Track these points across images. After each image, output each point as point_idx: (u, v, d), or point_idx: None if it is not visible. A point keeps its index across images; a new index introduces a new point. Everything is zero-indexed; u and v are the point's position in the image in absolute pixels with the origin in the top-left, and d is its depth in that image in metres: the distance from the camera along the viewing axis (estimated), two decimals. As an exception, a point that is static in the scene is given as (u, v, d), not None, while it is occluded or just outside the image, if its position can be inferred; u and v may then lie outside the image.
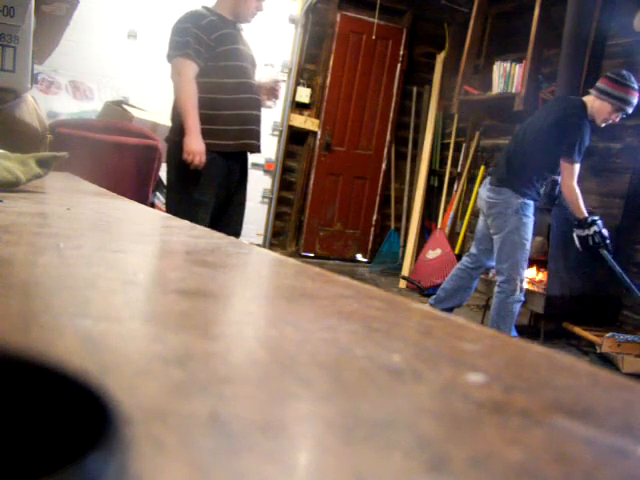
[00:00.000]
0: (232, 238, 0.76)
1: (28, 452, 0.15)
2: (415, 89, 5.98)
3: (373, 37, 5.75)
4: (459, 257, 4.99)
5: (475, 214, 5.10)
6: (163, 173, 3.04)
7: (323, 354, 0.30)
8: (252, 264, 0.65)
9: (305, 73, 5.70)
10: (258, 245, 4.55)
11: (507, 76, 4.67)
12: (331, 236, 5.97)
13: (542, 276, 3.93)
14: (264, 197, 5.72)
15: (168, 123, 2.90)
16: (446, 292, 3.63)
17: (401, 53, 5.91)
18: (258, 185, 5.54)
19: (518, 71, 4.55)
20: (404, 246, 5.79)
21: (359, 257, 6.07)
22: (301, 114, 5.70)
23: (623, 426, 0.25)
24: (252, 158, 3.08)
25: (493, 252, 3.42)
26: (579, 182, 3.25)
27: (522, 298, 3.34)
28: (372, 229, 6.09)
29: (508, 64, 4.67)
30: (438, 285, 4.08)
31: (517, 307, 3.34)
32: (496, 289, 3.37)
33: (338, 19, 5.68)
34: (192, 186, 2.72)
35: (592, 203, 3.53)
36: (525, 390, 0.28)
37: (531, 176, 3.26)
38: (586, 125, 3.18)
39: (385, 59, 5.88)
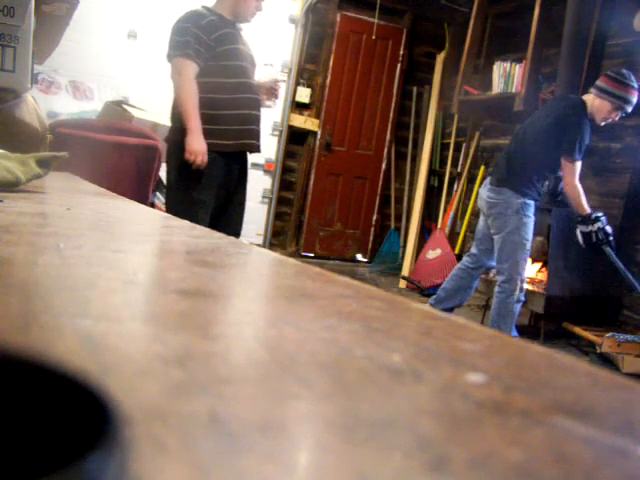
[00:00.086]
0: (232, 238, 0.76)
1: (28, 452, 0.15)
2: (415, 89, 5.99)
3: (373, 37, 5.75)
4: (459, 257, 4.99)
5: (475, 214, 5.10)
6: (163, 173, 3.04)
7: (323, 354, 0.30)
8: (252, 264, 0.65)
9: (305, 73, 5.70)
10: (258, 245, 4.56)
11: (507, 76, 4.67)
12: (331, 236, 5.97)
13: (542, 276, 3.93)
14: (264, 197, 5.72)
15: (168, 123, 2.90)
16: (446, 292, 3.63)
17: (401, 53, 5.91)
18: (258, 185, 5.54)
19: (518, 71, 4.55)
20: (404, 246, 5.79)
21: (359, 257, 6.07)
22: (301, 114, 5.71)
23: (623, 426, 0.25)
24: (252, 158, 3.08)
25: (494, 252, 3.42)
26: (580, 181, 3.26)
27: (522, 298, 3.34)
28: (372, 229, 6.09)
29: (508, 64, 4.67)
30: (438, 285, 4.08)
31: (517, 307, 3.34)
32: (496, 289, 3.37)
33: (338, 19, 5.68)
34: (192, 186, 2.72)
35: (592, 203, 3.52)
36: (525, 390, 0.28)
37: (531, 176, 3.26)
38: (586, 123, 3.18)
39: (385, 59, 5.89)
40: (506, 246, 3.30)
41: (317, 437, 0.21)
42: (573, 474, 0.20)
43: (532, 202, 3.28)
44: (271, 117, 5.38)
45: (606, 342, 3.24)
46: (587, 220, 3.26)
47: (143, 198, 3.09)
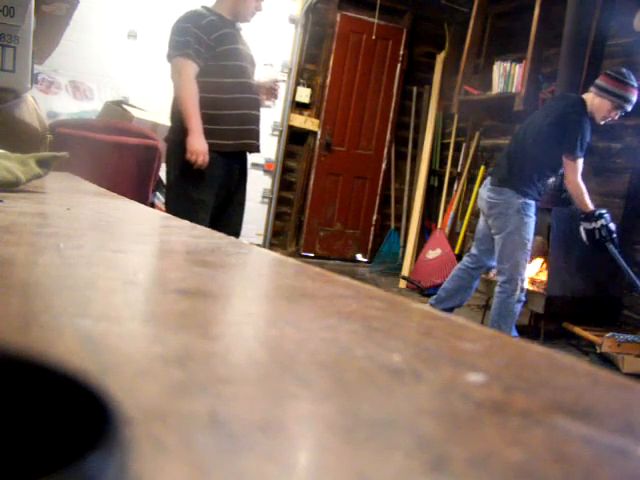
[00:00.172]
0: (232, 238, 0.76)
1: (28, 452, 0.15)
2: (415, 89, 5.99)
3: (373, 37, 5.75)
4: (459, 257, 4.99)
5: (475, 214, 5.10)
6: (163, 173, 3.04)
7: (323, 354, 0.30)
8: (252, 264, 0.65)
9: (305, 73, 5.70)
10: (258, 245, 4.56)
11: (507, 76, 4.67)
12: (331, 236, 5.97)
13: (542, 276, 3.93)
14: (264, 197, 5.72)
15: (168, 123, 2.90)
16: (447, 292, 3.63)
17: (401, 53, 5.91)
18: (258, 185, 5.54)
19: (518, 71, 4.55)
20: (404, 246, 5.79)
21: (359, 257, 6.07)
22: (301, 114, 5.71)
23: (623, 426, 0.25)
24: (252, 158, 3.08)
25: (494, 252, 3.42)
26: (581, 179, 3.26)
27: (523, 298, 3.34)
28: (372, 229, 6.09)
29: (508, 64, 4.67)
30: (438, 285, 4.08)
31: (518, 307, 3.34)
32: (497, 289, 3.37)
33: (338, 19, 5.68)
34: (192, 186, 2.72)
35: (592, 203, 3.52)
36: (525, 390, 0.28)
37: (532, 176, 3.26)
38: (586, 121, 3.18)
39: (385, 59, 5.89)
40: (507, 246, 3.30)
41: (317, 437, 0.21)
42: (573, 474, 0.20)
43: (533, 202, 3.28)
44: (271, 117, 5.38)
45: (606, 342, 3.24)
46: (590, 217, 3.26)
47: (143, 198, 3.09)
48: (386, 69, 5.90)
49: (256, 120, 2.83)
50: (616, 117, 3.28)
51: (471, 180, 5.43)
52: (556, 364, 0.34)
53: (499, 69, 4.75)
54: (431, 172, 5.76)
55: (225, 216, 2.86)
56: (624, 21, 4.00)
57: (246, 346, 0.32)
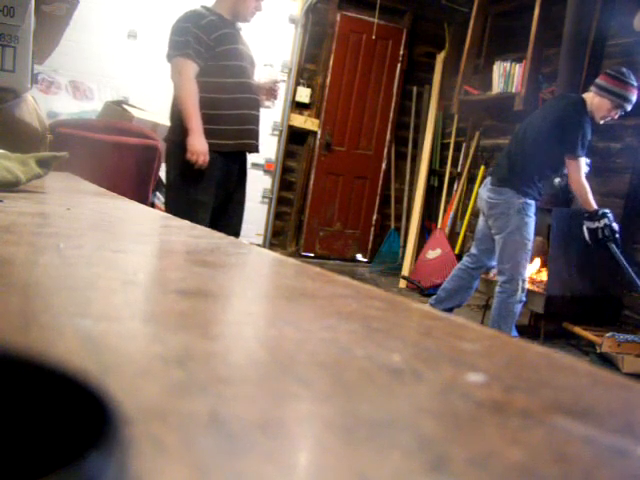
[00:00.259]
0: (232, 238, 0.76)
1: (28, 452, 0.15)
2: (415, 89, 5.99)
3: (373, 37, 5.75)
4: (459, 257, 4.99)
5: (475, 214, 5.10)
6: (163, 173, 3.04)
7: (323, 354, 0.30)
8: (252, 264, 0.65)
9: (305, 73, 5.70)
10: (258, 245, 4.56)
11: (507, 76, 4.67)
12: (331, 236, 5.97)
13: (542, 276, 3.93)
14: (264, 197, 5.72)
15: (168, 123, 2.90)
16: (447, 292, 3.63)
17: (401, 53, 5.91)
18: (258, 185, 5.54)
19: (518, 71, 4.55)
20: (404, 246, 5.79)
21: (359, 257, 6.07)
22: (301, 114, 5.71)
23: (623, 426, 0.25)
24: (252, 158, 3.08)
25: (494, 252, 3.42)
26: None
27: (524, 298, 3.34)
28: (372, 229, 6.09)
29: (508, 64, 4.66)
30: (438, 285, 4.08)
31: (518, 307, 3.34)
32: (498, 289, 3.37)
33: (338, 19, 5.68)
34: (192, 186, 2.72)
35: (593, 203, 3.52)
36: (525, 390, 0.28)
37: (532, 175, 3.26)
38: (587, 121, 3.18)
39: (385, 59, 5.88)
40: (507, 246, 3.29)
41: (317, 437, 0.21)
42: (573, 474, 0.20)
43: (533, 202, 3.28)
44: (271, 117, 5.38)
45: (606, 342, 3.24)
46: (594, 216, 3.26)
47: (143, 198, 3.09)
48: (386, 69, 5.90)
49: (256, 120, 2.83)
50: (616, 116, 3.28)
51: (471, 180, 5.43)
52: (556, 364, 0.34)
53: (499, 69, 4.75)
54: (431, 172, 5.76)
55: (225, 216, 2.86)
56: (624, 21, 4.00)
57: (246, 346, 0.32)
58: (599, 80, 3.27)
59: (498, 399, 0.26)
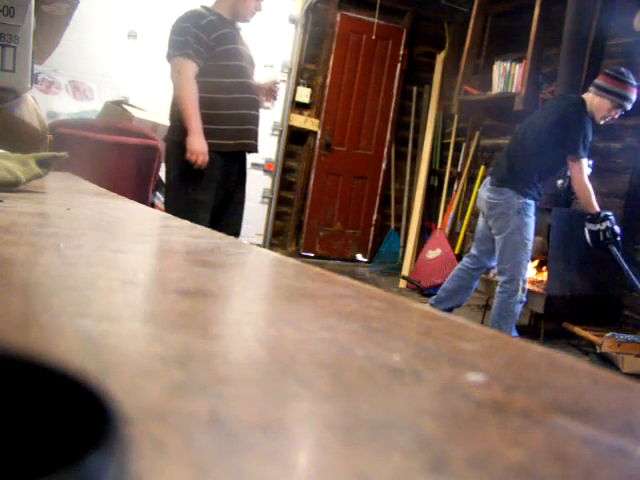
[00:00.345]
0: (232, 238, 0.76)
1: (28, 452, 0.15)
2: (415, 89, 5.99)
3: (373, 37, 5.75)
4: (459, 257, 4.99)
5: (475, 214, 5.10)
6: (163, 173, 3.04)
7: (323, 354, 0.30)
8: (252, 264, 0.65)
9: (305, 73, 5.70)
10: (258, 245, 4.56)
11: (507, 76, 4.67)
12: (331, 236, 5.97)
13: (542, 276, 3.93)
14: (264, 197, 5.72)
15: (168, 123, 2.90)
16: (447, 292, 3.63)
17: (401, 53, 5.91)
18: (258, 185, 5.54)
19: (518, 71, 4.55)
20: (404, 246, 5.79)
21: (359, 257, 6.07)
22: (301, 114, 5.70)
23: (623, 426, 0.25)
24: (252, 158, 3.09)
25: (494, 253, 3.42)
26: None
27: (524, 299, 3.34)
28: (372, 229, 6.09)
29: (508, 64, 4.66)
30: (438, 285, 4.08)
31: (519, 308, 3.34)
32: (498, 289, 3.37)
33: (338, 19, 5.68)
34: (191, 186, 2.72)
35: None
36: (525, 390, 0.28)
37: (532, 176, 3.26)
38: (587, 121, 3.18)
39: (385, 59, 5.88)
40: (508, 246, 3.29)
41: (317, 437, 0.21)
42: (573, 474, 0.20)
43: (533, 202, 3.28)
44: (271, 117, 5.38)
45: (606, 342, 3.24)
46: (596, 219, 3.26)
47: (143, 198, 3.09)
48: (386, 69, 5.90)
49: (255, 120, 2.83)
50: (616, 116, 3.28)
51: (471, 180, 5.43)
52: (556, 364, 0.34)
53: (499, 69, 4.75)
54: (431, 172, 5.76)
55: (225, 216, 2.86)
56: (624, 21, 4.00)
57: (246, 346, 0.32)
58: (598, 80, 3.27)
59: (498, 399, 0.26)
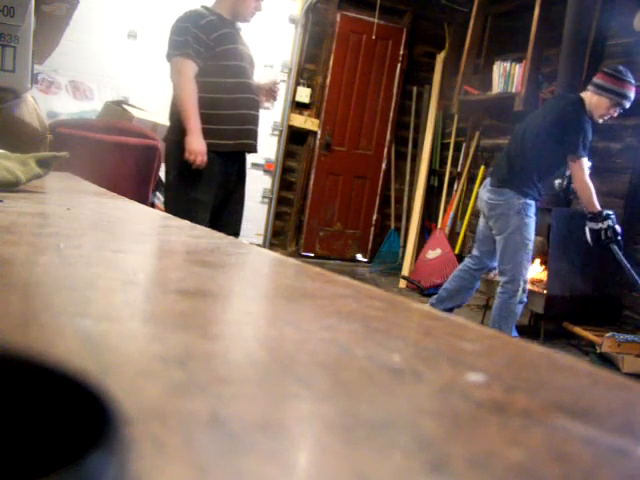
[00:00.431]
0: (232, 238, 0.76)
1: (28, 452, 0.15)
2: (415, 89, 5.99)
3: (373, 37, 5.75)
4: (459, 257, 4.99)
5: (475, 214, 5.10)
6: (163, 173, 3.04)
7: (323, 354, 0.30)
8: (252, 264, 0.65)
9: (305, 73, 5.70)
10: (258, 245, 4.55)
11: (507, 76, 4.67)
12: (331, 236, 5.97)
13: (542, 276, 3.93)
14: (264, 197, 5.72)
15: (168, 123, 2.90)
16: (448, 292, 3.63)
17: (401, 53, 5.91)
18: (258, 185, 5.54)
19: (518, 71, 4.55)
20: (404, 246, 5.79)
21: (359, 257, 6.07)
22: (301, 114, 5.70)
23: (623, 426, 0.25)
24: (252, 158, 3.09)
25: (495, 253, 3.42)
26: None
27: (525, 299, 3.33)
28: (372, 229, 6.09)
29: (508, 64, 4.66)
30: (438, 285, 4.08)
31: (519, 308, 3.33)
32: (499, 289, 3.37)
33: (338, 19, 5.68)
34: (191, 186, 2.72)
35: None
36: (525, 390, 0.28)
37: (532, 176, 3.26)
38: (586, 120, 3.18)
39: (385, 59, 5.88)
40: (508, 247, 3.29)
41: (317, 437, 0.21)
42: (573, 474, 0.20)
43: (533, 202, 3.28)
44: (271, 117, 5.38)
45: (606, 342, 3.24)
46: (597, 217, 3.25)
47: (143, 198, 3.09)
48: (386, 69, 5.90)
49: (255, 120, 2.83)
50: (615, 114, 3.28)
51: (471, 180, 5.43)
52: (556, 364, 0.34)
53: (499, 69, 4.75)
54: (431, 172, 5.76)
55: (224, 216, 2.86)
56: (624, 21, 4.00)
57: (246, 346, 0.32)
58: (597, 79, 3.27)
59: (498, 399, 0.26)
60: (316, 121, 5.73)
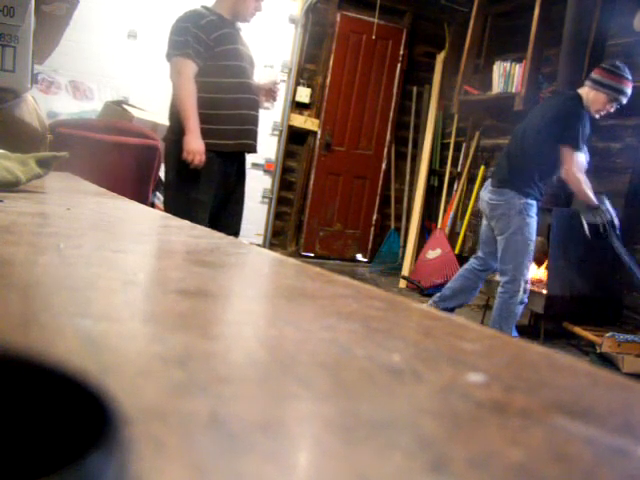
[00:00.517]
0: (232, 238, 0.76)
1: (28, 452, 0.15)
2: (415, 89, 5.99)
3: (373, 37, 5.75)
4: (459, 257, 4.99)
5: (475, 214, 5.11)
6: (163, 173, 3.04)
7: (323, 354, 0.30)
8: (252, 264, 0.65)
9: (305, 73, 5.70)
10: (258, 245, 4.55)
11: (507, 76, 4.67)
12: (331, 236, 5.97)
13: (542, 276, 3.93)
14: (264, 197, 5.72)
15: (167, 123, 2.90)
16: (452, 291, 3.63)
17: (401, 53, 5.91)
18: (258, 185, 5.54)
19: (518, 71, 4.55)
20: (404, 246, 5.79)
21: (359, 257, 6.07)
22: (301, 114, 5.70)
23: (623, 426, 0.25)
24: (252, 158, 3.09)
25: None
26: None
27: (525, 300, 3.33)
28: (372, 229, 6.09)
29: (508, 64, 4.66)
30: (438, 285, 4.08)
31: (520, 308, 3.33)
32: (499, 289, 3.37)
33: (338, 19, 5.68)
34: (190, 186, 2.72)
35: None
36: (525, 390, 0.28)
37: (533, 175, 3.26)
38: (584, 115, 3.18)
39: (385, 59, 5.88)
40: (510, 247, 3.29)
41: (317, 437, 0.21)
42: (573, 474, 0.20)
43: (534, 202, 3.28)
44: (271, 117, 5.38)
45: (606, 342, 3.24)
46: (592, 209, 3.25)
47: (143, 198, 3.09)
48: (386, 69, 5.90)
49: (255, 120, 2.83)
50: (612, 110, 3.28)
51: (471, 180, 5.43)
52: (556, 364, 0.33)
53: (499, 69, 4.75)
54: (431, 172, 5.76)
55: (224, 216, 2.86)
56: (624, 21, 4.00)
57: (246, 346, 0.32)
58: (594, 74, 3.27)
59: (498, 399, 0.26)
60: (316, 121, 5.73)
